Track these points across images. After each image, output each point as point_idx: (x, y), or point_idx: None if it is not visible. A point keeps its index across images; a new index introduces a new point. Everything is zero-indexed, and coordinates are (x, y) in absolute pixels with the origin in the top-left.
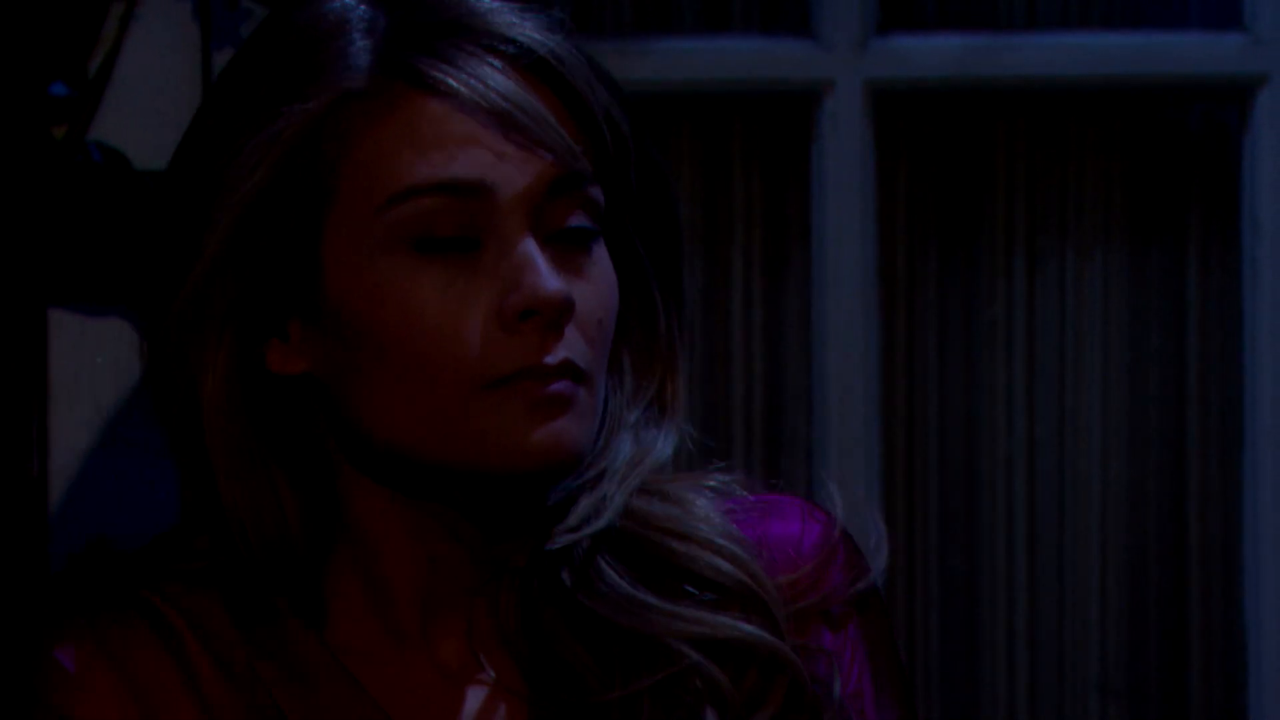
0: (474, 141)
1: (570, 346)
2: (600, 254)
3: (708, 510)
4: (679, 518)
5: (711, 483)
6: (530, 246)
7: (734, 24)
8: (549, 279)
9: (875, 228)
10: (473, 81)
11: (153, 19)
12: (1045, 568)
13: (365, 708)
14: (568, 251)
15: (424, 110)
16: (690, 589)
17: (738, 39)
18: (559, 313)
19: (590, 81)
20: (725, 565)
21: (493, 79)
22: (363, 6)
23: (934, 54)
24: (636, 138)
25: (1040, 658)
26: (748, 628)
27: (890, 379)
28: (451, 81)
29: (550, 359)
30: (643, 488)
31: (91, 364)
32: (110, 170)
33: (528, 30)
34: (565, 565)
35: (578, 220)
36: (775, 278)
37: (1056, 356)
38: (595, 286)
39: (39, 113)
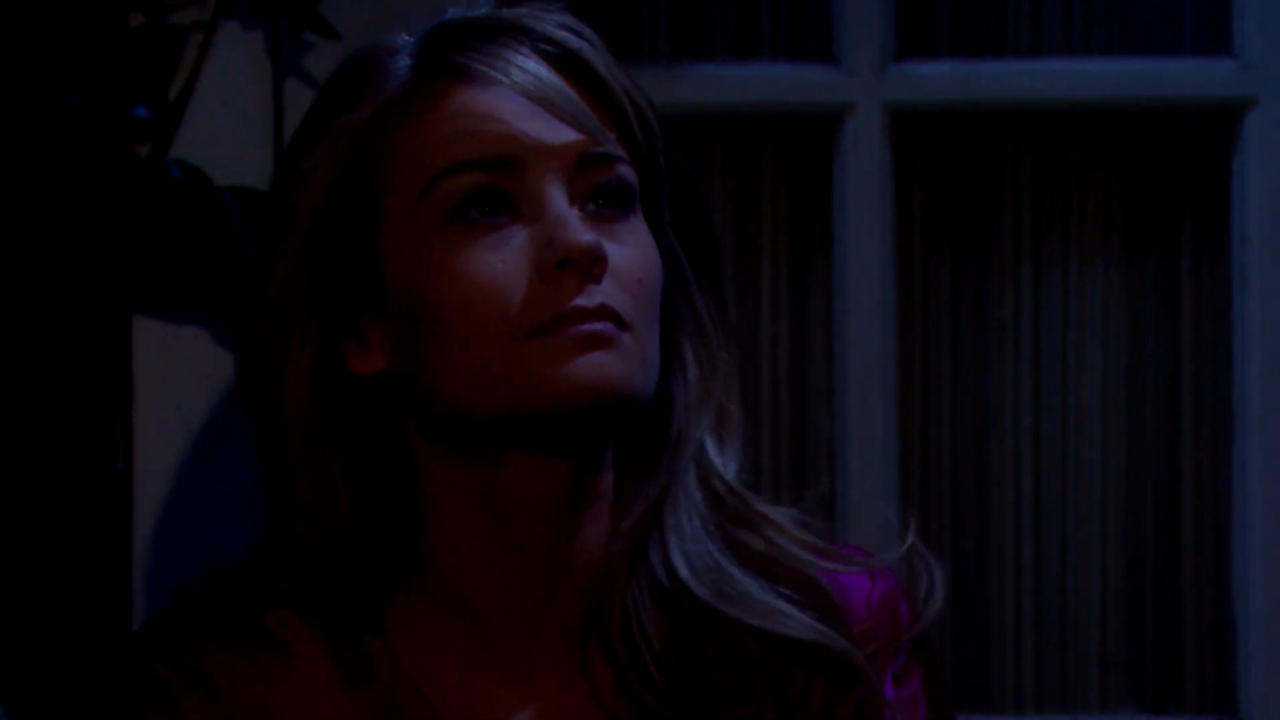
0: (505, 121)
1: (607, 294)
2: (637, 225)
3: (797, 535)
4: (773, 536)
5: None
6: (562, 206)
7: (762, 51)
8: (580, 231)
9: (893, 238)
10: (502, 65)
11: (228, 48)
12: (1049, 551)
13: None
14: (602, 218)
15: (459, 97)
16: (789, 593)
17: (766, 65)
18: (591, 260)
19: (616, 75)
20: (819, 581)
21: (522, 64)
22: (408, 36)
23: (947, 78)
24: (664, 137)
25: (1045, 634)
26: (840, 640)
27: (906, 377)
28: (481, 67)
29: (586, 301)
30: (734, 506)
31: (172, 365)
32: (190, 186)
33: (555, 27)
34: (675, 555)
35: (609, 190)
36: (800, 284)
37: (1060, 356)
38: (632, 249)
39: (124, 133)
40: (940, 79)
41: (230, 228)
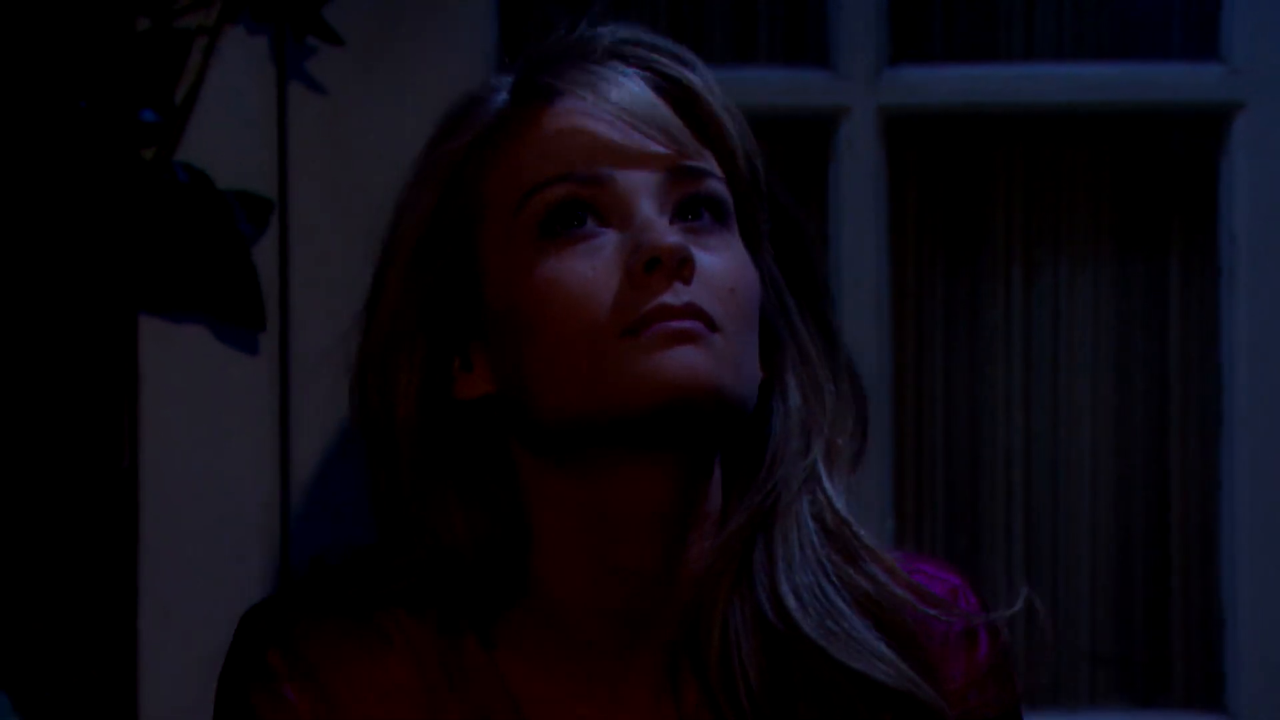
0: (594, 135)
1: (697, 295)
2: (731, 240)
3: (901, 576)
4: (879, 575)
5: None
6: (650, 212)
7: (759, 56)
8: (666, 233)
9: (887, 240)
10: (591, 81)
11: (233, 53)
12: (1040, 547)
13: None
14: (694, 230)
15: (549, 115)
16: (887, 637)
17: (762, 69)
18: (677, 259)
19: (716, 96)
20: (913, 626)
21: (614, 83)
22: (506, 76)
23: (941, 83)
24: (767, 168)
25: (1036, 629)
26: (934, 695)
27: (901, 377)
28: (570, 85)
29: (673, 299)
30: (845, 541)
31: (177, 365)
32: (195, 189)
33: (651, 50)
34: (782, 585)
35: (699, 201)
36: None
37: (1051, 356)
38: (724, 259)
39: (130, 136)
40: (934, 83)
41: (234, 230)
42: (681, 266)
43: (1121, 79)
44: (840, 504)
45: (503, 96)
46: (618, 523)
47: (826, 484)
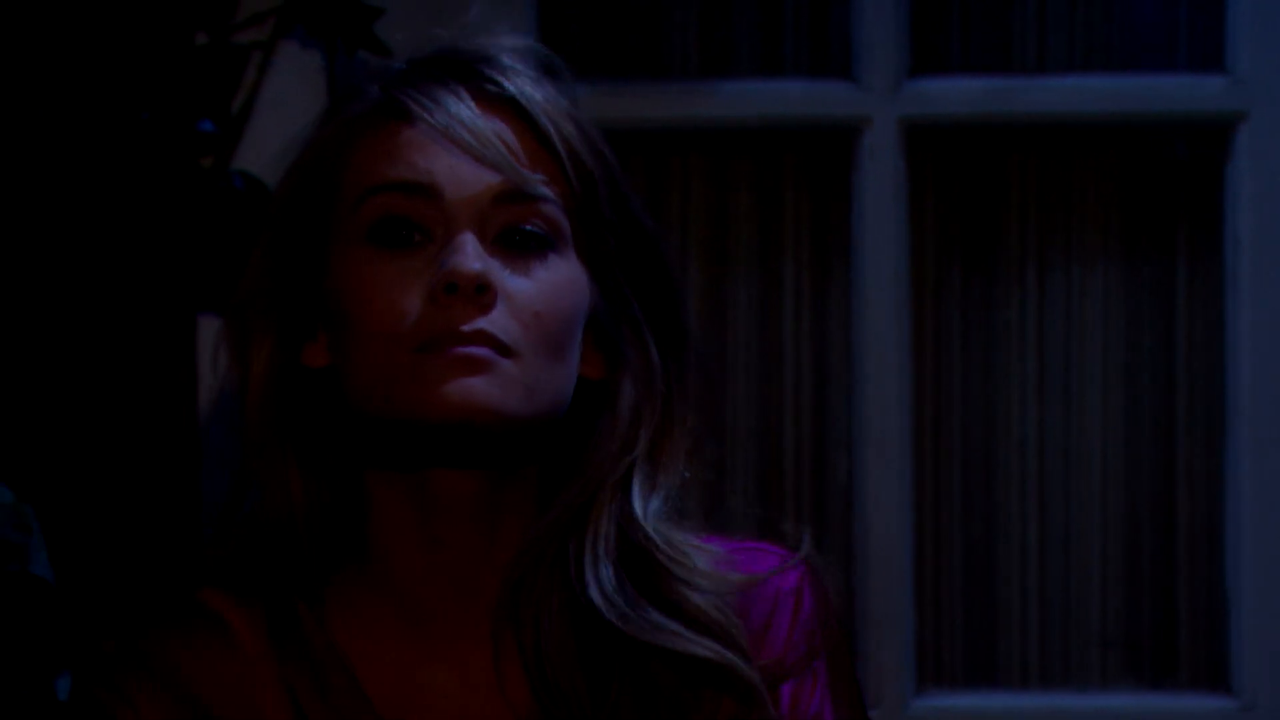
0: (432, 155)
1: (493, 322)
2: (555, 263)
3: (705, 567)
4: (681, 563)
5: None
6: (464, 235)
7: (785, 68)
8: (469, 260)
9: (907, 244)
10: (436, 109)
11: (286, 66)
12: (1053, 536)
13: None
14: (516, 254)
15: (399, 131)
16: (690, 618)
17: (788, 81)
18: (474, 287)
19: (558, 123)
20: (715, 613)
21: (456, 108)
22: (394, 64)
23: (958, 94)
24: (609, 183)
25: (1049, 614)
26: (740, 663)
27: (920, 373)
28: (415, 107)
29: (465, 326)
30: (646, 538)
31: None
32: (250, 196)
33: (503, 71)
34: (588, 576)
35: (524, 227)
36: (821, 287)
37: (1063, 354)
38: (538, 285)
39: (189, 146)
40: (951, 95)
41: None
42: (480, 294)
43: (1130, 90)
44: (655, 506)
45: (374, 92)
46: (435, 503)
47: (637, 486)
